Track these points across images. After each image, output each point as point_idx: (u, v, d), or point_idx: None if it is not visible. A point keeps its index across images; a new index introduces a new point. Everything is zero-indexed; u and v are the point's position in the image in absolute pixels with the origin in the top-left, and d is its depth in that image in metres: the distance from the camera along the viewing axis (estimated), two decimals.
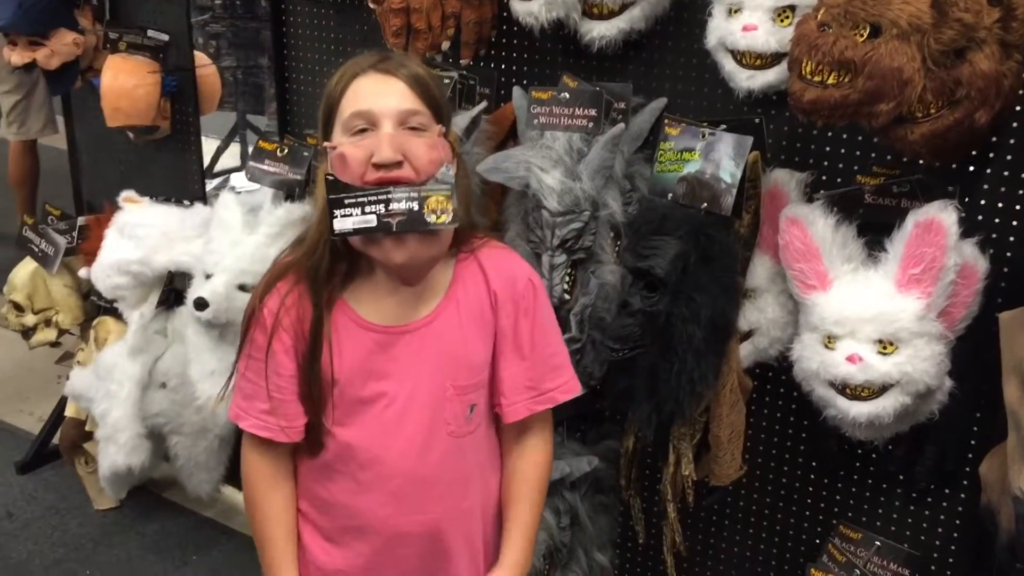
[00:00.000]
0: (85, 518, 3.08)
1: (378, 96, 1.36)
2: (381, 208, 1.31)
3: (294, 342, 1.42)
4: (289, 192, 2.30)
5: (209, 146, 3.03)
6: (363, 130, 1.36)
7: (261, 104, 4.41)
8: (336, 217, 1.31)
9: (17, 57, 2.85)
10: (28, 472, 3.31)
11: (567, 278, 1.81)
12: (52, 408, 3.40)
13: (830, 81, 1.46)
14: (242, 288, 2.24)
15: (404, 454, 1.43)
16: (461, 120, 1.99)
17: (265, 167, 2.37)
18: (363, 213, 1.31)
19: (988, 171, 1.69)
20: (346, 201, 1.31)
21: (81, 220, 2.97)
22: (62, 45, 2.82)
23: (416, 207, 1.31)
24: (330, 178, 1.33)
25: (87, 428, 2.96)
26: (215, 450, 2.64)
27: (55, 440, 3.29)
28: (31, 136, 4.67)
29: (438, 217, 1.32)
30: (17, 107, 4.48)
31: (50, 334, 3.10)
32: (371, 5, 2.09)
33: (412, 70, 1.39)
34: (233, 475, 2.75)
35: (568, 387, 1.55)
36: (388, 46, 2.07)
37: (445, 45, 2.10)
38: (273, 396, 1.42)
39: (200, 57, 2.91)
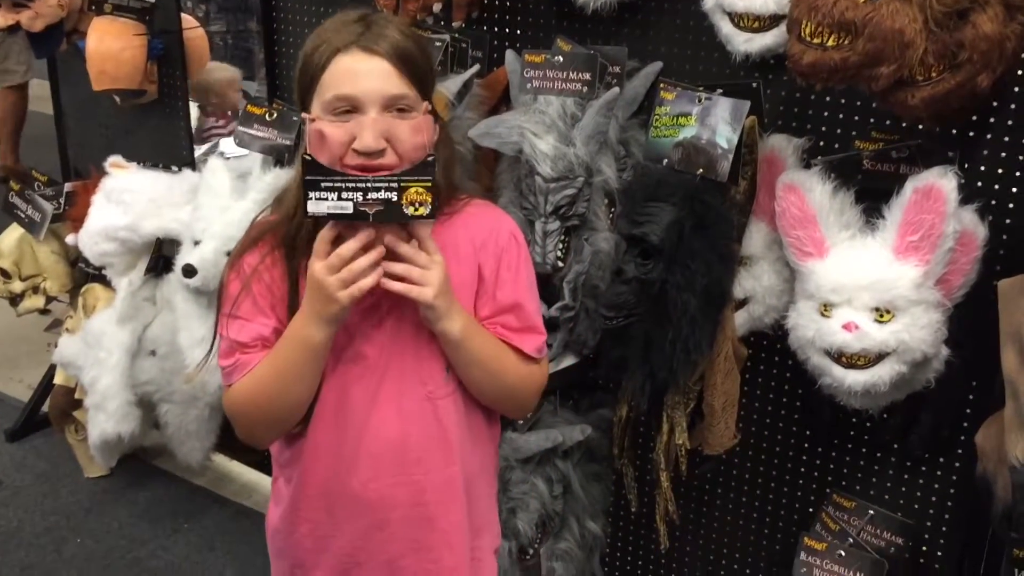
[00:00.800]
0: (76, 486, 3.08)
1: (362, 79, 1.32)
2: (359, 196, 1.28)
3: (273, 302, 1.40)
4: (278, 157, 2.27)
5: (197, 111, 2.99)
6: (346, 111, 1.32)
7: (251, 69, 4.34)
8: (311, 199, 1.28)
9: (0, 19, 2.80)
10: (18, 440, 3.31)
11: (560, 245, 1.79)
12: (41, 376, 3.38)
13: (830, 43, 1.43)
14: (231, 255, 2.20)
15: (384, 417, 1.42)
16: (453, 84, 1.95)
17: (254, 132, 2.33)
18: (339, 199, 1.28)
19: (988, 136, 1.66)
20: (322, 184, 1.28)
21: (68, 186, 2.94)
22: (46, 7, 2.76)
23: (395, 197, 1.28)
24: (308, 158, 1.30)
25: (76, 396, 2.94)
26: (205, 418, 2.62)
27: (45, 408, 3.28)
28: (16, 81, 4.80)
29: (416, 209, 1.29)
30: None
31: (38, 301, 3.07)
32: None
33: (397, 43, 1.34)
34: (224, 443, 2.73)
35: (537, 346, 1.50)
36: (377, 7, 2.02)
37: (437, 7, 2.06)
38: (248, 345, 1.41)
39: (187, 20, 2.86)
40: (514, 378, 1.49)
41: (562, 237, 1.79)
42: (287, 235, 1.40)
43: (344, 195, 1.28)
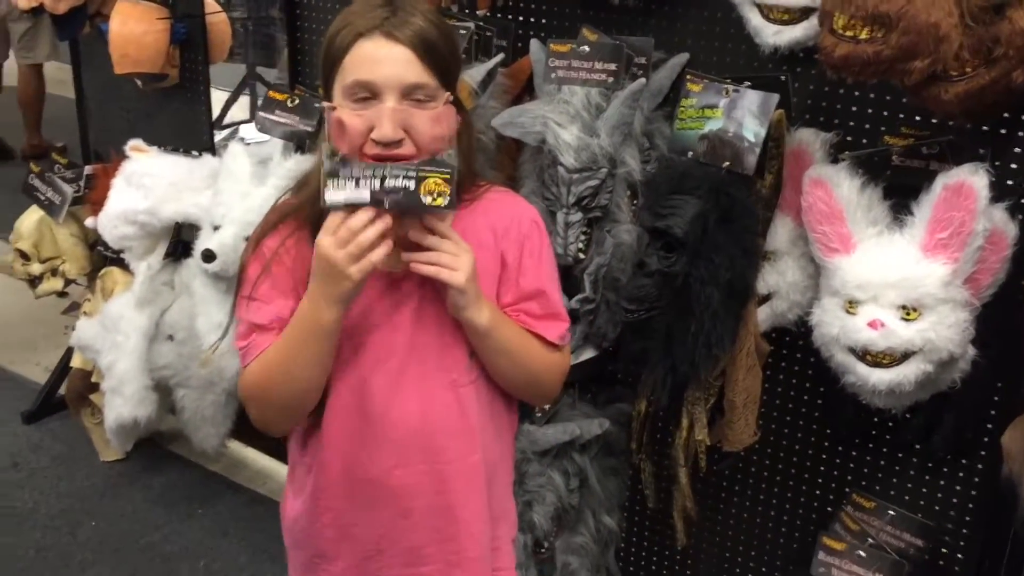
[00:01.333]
0: (91, 469, 3.08)
1: (382, 66, 1.30)
2: (376, 184, 1.26)
3: (294, 285, 1.39)
4: (299, 144, 2.26)
5: (218, 97, 2.98)
6: (365, 98, 1.31)
7: (271, 56, 4.36)
8: (328, 188, 1.27)
9: (25, 0, 2.81)
10: (34, 422, 3.31)
11: (582, 237, 1.77)
12: (58, 358, 3.38)
13: (863, 36, 1.41)
14: (250, 238, 2.20)
15: (406, 404, 1.40)
16: (477, 73, 1.94)
17: (275, 118, 2.32)
18: (357, 187, 1.27)
19: (1020, 134, 1.63)
20: (341, 173, 1.27)
21: (88, 169, 2.94)
22: None
23: (412, 186, 1.27)
24: (327, 147, 1.29)
25: (93, 379, 2.95)
26: (222, 404, 2.62)
27: (62, 391, 3.28)
28: (39, 60, 5.22)
29: (434, 199, 1.28)
30: (27, 34, 4.92)
31: (56, 284, 3.07)
32: None
33: (421, 31, 1.32)
34: (239, 430, 2.74)
35: (560, 333, 1.48)
36: None
37: None
38: (266, 327, 1.39)
39: (210, 4, 2.85)
40: (538, 366, 1.48)
41: (584, 229, 1.77)
42: (311, 217, 1.39)
43: (361, 183, 1.27)
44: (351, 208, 1.28)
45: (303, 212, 1.40)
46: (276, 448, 2.88)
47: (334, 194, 1.27)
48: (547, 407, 1.93)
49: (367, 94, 1.31)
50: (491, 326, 1.38)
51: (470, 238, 1.38)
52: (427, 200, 1.27)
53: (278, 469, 3.00)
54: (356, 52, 1.32)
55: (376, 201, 1.27)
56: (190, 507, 2.91)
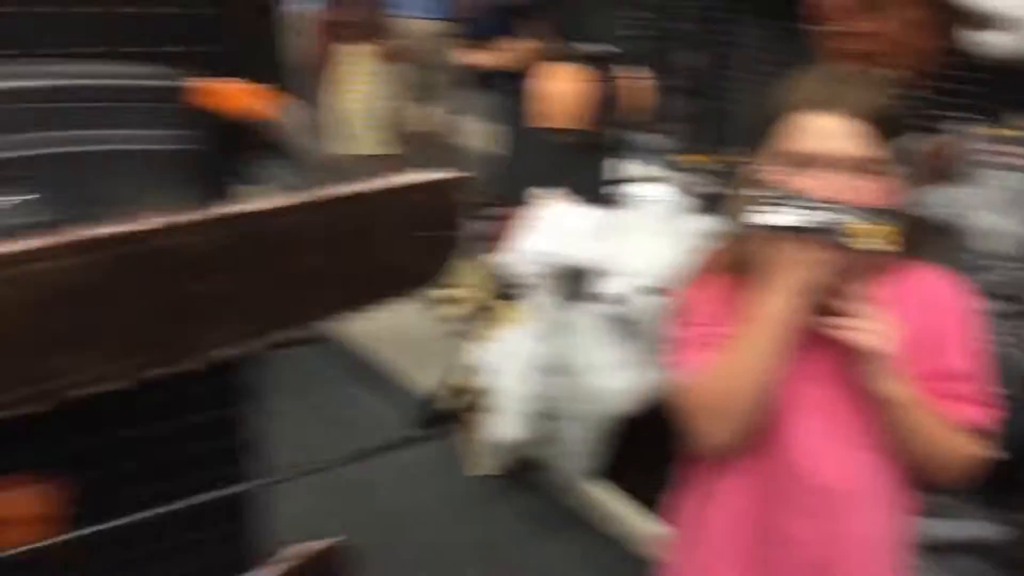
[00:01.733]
0: (466, 480, 3.33)
1: (824, 140, 1.33)
2: (811, 215, 1.27)
3: (726, 315, 1.42)
4: (706, 204, 2.35)
5: (623, 158, 3.17)
6: (806, 167, 1.33)
7: (669, 122, 4.52)
8: (759, 212, 1.31)
9: (467, 57, 3.17)
10: (420, 430, 3.61)
11: (1011, 330, 1.69)
12: (448, 375, 3.69)
13: None
14: (648, 290, 2.32)
15: (815, 461, 1.41)
16: (901, 149, 1.91)
17: (681, 178, 2.44)
18: (791, 214, 1.28)
19: None
20: (772, 198, 1.30)
21: (498, 211, 3.23)
22: (506, 50, 3.09)
23: (848, 226, 1.27)
24: (759, 177, 1.34)
25: (477, 399, 3.21)
26: (594, 441, 2.75)
27: (445, 405, 3.58)
28: (456, 112, 5.53)
29: (875, 244, 1.27)
30: (447, 85, 5.29)
31: (457, 309, 3.39)
32: (819, 28, 2.06)
33: (870, 104, 1.34)
34: (603, 471, 2.84)
35: (976, 419, 1.41)
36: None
37: (894, 73, 2.03)
38: (709, 343, 1.42)
39: (633, 71, 3.04)
40: (944, 450, 1.42)
41: (1013, 322, 1.69)
42: (737, 259, 1.44)
43: (803, 212, 1.28)
44: (787, 231, 1.30)
45: (730, 256, 1.46)
46: (637, 492, 2.96)
47: (763, 217, 1.31)
48: (942, 501, 1.84)
49: (810, 165, 1.33)
50: (903, 400, 1.36)
51: (893, 309, 1.37)
52: (862, 243, 1.27)
53: (630, 514, 3.07)
54: (796, 124, 1.35)
55: (817, 231, 1.28)
56: (546, 534, 3.05)
